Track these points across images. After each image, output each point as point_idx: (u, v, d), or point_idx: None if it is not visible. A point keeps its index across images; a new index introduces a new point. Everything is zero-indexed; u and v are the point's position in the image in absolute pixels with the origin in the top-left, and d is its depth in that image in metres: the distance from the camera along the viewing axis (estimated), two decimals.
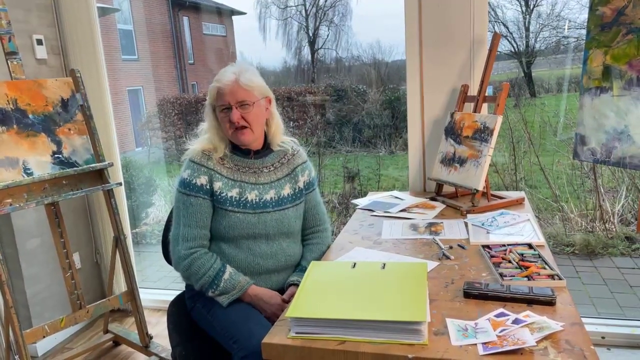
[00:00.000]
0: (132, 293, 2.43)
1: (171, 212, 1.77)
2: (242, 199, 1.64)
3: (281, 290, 1.67)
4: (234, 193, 1.64)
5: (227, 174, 1.66)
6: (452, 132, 2.16)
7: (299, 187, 1.75)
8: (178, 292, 1.86)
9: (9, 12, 2.16)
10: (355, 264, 1.38)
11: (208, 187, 1.63)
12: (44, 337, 2.17)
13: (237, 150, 1.70)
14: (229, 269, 1.61)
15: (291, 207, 1.71)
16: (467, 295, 1.25)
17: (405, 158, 2.58)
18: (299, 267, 1.72)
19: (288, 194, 1.71)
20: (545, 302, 1.18)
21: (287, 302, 1.59)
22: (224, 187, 1.63)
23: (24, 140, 2.08)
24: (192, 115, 6.72)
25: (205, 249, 1.65)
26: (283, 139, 1.77)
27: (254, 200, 1.65)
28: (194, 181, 1.62)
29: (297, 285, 1.61)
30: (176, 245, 1.64)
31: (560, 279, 1.29)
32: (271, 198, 1.67)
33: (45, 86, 2.21)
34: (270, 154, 1.74)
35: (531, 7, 5.90)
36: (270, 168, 1.72)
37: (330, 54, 7.77)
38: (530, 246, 1.50)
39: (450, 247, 1.60)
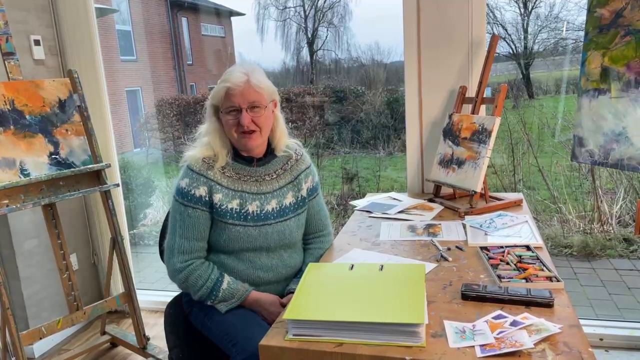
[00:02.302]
0: (129, 294, 2.43)
1: (168, 214, 1.73)
2: (242, 211, 1.58)
3: (280, 296, 1.65)
4: (234, 204, 1.58)
5: (228, 183, 1.59)
6: (450, 133, 2.16)
7: (301, 196, 1.69)
8: (175, 294, 1.85)
9: (7, 12, 2.16)
10: (353, 265, 1.37)
11: (207, 198, 1.56)
12: (40, 338, 2.16)
13: (239, 157, 1.63)
14: (226, 278, 1.57)
15: (293, 217, 1.66)
16: (465, 297, 1.24)
17: (403, 159, 2.57)
18: (300, 274, 1.68)
19: (290, 203, 1.66)
20: (543, 304, 1.18)
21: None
22: (224, 198, 1.57)
23: (21, 141, 2.08)
24: (191, 116, 6.72)
25: (202, 259, 1.61)
26: (288, 142, 1.71)
27: (255, 212, 1.59)
28: (193, 192, 1.56)
29: None
30: (171, 257, 1.59)
31: (558, 280, 1.29)
32: (273, 209, 1.62)
33: (42, 87, 2.20)
34: (273, 160, 1.67)
35: (529, 8, 5.92)
36: (272, 176, 1.65)
37: (329, 55, 7.78)
38: (528, 248, 1.50)
39: (448, 249, 1.60)
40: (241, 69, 1.55)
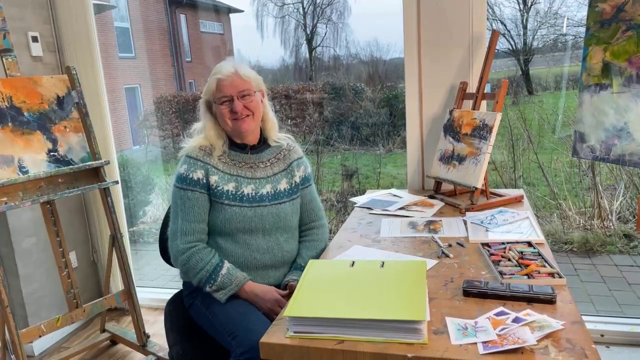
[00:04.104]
0: (129, 292, 2.42)
1: (168, 210, 1.76)
2: (238, 193, 1.64)
3: (278, 287, 1.66)
4: (230, 187, 1.64)
5: (224, 168, 1.66)
6: (451, 129, 2.15)
7: (295, 182, 1.75)
8: (175, 291, 1.85)
9: (4, 8, 2.14)
10: (353, 262, 1.36)
11: (204, 181, 1.63)
12: (40, 336, 2.15)
13: (234, 145, 1.70)
14: (226, 264, 1.61)
15: (288, 202, 1.71)
16: (467, 293, 1.24)
17: (403, 156, 2.57)
18: (295, 265, 1.71)
19: (284, 189, 1.71)
20: (545, 301, 1.17)
21: (284, 297, 1.59)
22: (220, 180, 1.64)
23: (19, 138, 2.07)
24: (190, 113, 6.69)
25: (204, 243, 1.65)
26: (279, 135, 1.78)
27: (250, 194, 1.65)
28: (191, 175, 1.63)
29: (294, 283, 1.61)
30: (175, 239, 1.64)
31: (560, 277, 1.29)
32: (267, 192, 1.68)
33: (40, 84, 2.19)
34: (267, 149, 1.74)
35: (529, 4, 5.89)
36: (266, 163, 1.72)
37: (328, 51, 7.76)
38: (529, 244, 1.49)
39: (449, 245, 1.59)
40: (229, 63, 1.67)
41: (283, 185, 1.72)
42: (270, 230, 1.67)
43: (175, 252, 1.64)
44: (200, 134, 1.71)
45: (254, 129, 1.69)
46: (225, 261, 1.62)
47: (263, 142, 1.75)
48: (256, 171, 1.70)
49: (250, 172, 1.69)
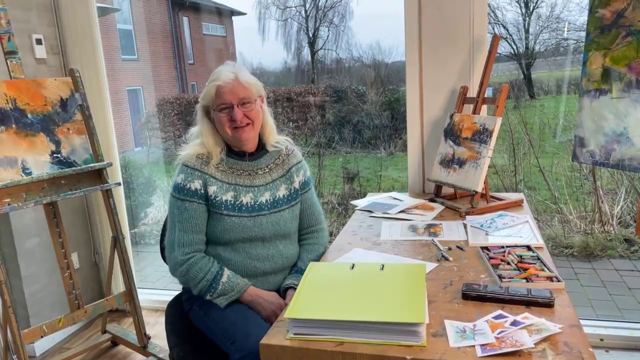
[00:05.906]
0: (130, 293, 2.43)
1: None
2: (237, 203, 1.62)
3: (278, 291, 1.67)
4: (228, 197, 1.62)
5: (222, 177, 1.63)
6: (452, 133, 2.16)
7: (294, 188, 1.73)
8: (176, 293, 1.86)
9: (9, 11, 2.16)
10: (354, 265, 1.37)
11: (202, 191, 1.61)
12: (42, 337, 2.16)
13: (232, 153, 1.68)
14: (226, 272, 1.60)
15: (287, 209, 1.69)
16: (466, 296, 1.25)
17: (404, 159, 2.57)
18: (296, 269, 1.71)
19: (283, 195, 1.70)
20: (543, 304, 1.18)
21: (287, 304, 1.58)
22: (218, 191, 1.61)
23: (22, 140, 2.08)
24: (192, 116, 6.69)
25: (202, 253, 1.63)
26: (277, 138, 1.75)
27: (249, 204, 1.63)
28: (188, 186, 1.60)
29: (294, 288, 1.61)
30: (172, 251, 1.63)
31: (559, 280, 1.29)
32: (266, 200, 1.66)
33: (44, 86, 2.21)
34: (265, 155, 1.72)
35: (531, 9, 5.91)
36: (265, 170, 1.70)
37: (330, 54, 7.78)
38: (529, 248, 1.50)
39: (449, 249, 1.60)
40: (228, 68, 1.63)
41: (282, 191, 1.69)
42: (270, 238, 1.65)
43: (174, 263, 1.62)
44: (197, 139, 1.68)
45: (253, 137, 1.66)
46: (225, 268, 1.60)
47: (261, 148, 1.72)
48: (254, 178, 1.67)
49: (249, 179, 1.66)
